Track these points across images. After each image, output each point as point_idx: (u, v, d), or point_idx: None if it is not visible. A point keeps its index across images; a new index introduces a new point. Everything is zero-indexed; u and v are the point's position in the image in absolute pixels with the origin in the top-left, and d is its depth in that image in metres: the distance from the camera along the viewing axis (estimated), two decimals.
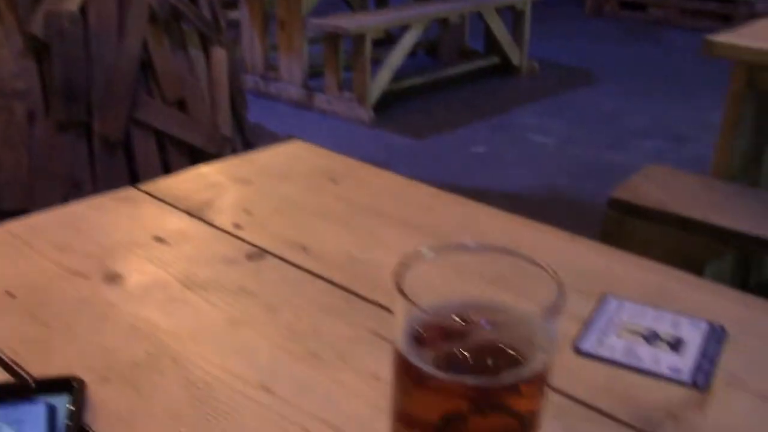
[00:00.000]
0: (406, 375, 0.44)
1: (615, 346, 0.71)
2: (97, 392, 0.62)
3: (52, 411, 0.58)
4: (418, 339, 0.44)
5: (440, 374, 0.42)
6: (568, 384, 0.65)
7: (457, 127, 3.94)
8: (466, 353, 0.43)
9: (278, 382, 0.64)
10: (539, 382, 0.44)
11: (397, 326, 0.44)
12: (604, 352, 0.70)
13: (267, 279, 0.79)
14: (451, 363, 0.43)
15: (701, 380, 0.67)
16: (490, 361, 0.43)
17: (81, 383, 0.61)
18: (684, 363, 0.69)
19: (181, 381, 0.64)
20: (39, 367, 0.64)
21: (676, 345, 0.71)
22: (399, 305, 0.44)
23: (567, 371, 0.67)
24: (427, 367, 0.42)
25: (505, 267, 0.47)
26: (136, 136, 2.44)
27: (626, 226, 1.91)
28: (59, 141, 2.30)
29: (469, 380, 0.42)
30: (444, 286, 0.47)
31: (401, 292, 0.43)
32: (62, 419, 0.57)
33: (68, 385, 0.60)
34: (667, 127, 3.91)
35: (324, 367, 0.66)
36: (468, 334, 0.44)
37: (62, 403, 0.59)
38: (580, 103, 4.34)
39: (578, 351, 0.70)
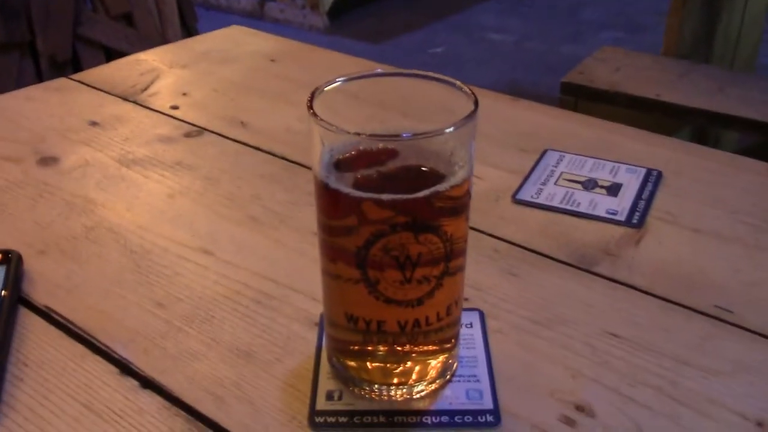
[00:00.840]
0: (326, 202, 0.44)
1: (553, 194, 0.72)
2: (34, 265, 0.62)
3: None
4: (336, 165, 0.44)
5: (357, 193, 0.42)
6: (506, 231, 0.66)
7: (415, 29, 3.88)
8: (384, 174, 0.43)
9: (218, 245, 0.64)
10: (459, 199, 0.44)
11: (315, 154, 0.44)
12: (543, 200, 0.71)
13: (206, 154, 0.78)
14: (369, 184, 0.43)
15: (637, 219, 0.68)
16: (408, 180, 0.44)
17: (17, 255, 0.60)
18: (620, 205, 0.70)
19: (120, 249, 0.64)
20: None
21: (613, 189, 0.72)
22: (315, 131, 0.43)
23: (505, 220, 0.68)
24: (345, 189, 0.42)
25: (420, 89, 0.47)
26: (84, 54, 2.37)
27: (580, 110, 1.91)
28: (4, 63, 2.23)
29: (386, 197, 0.42)
30: (360, 112, 0.47)
31: (315, 115, 0.43)
32: None
33: (4, 258, 0.60)
34: (624, 18, 3.89)
35: (264, 229, 0.67)
36: (386, 157, 0.44)
37: None
38: (537, 0, 4.28)
39: (517, 201, 0.71)
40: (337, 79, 0.46)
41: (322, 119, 0.42)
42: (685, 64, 1.98)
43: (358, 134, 0.42)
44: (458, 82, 0.45)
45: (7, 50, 2.21)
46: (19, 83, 2.22)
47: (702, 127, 2.09)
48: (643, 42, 3.54)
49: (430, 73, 0.46)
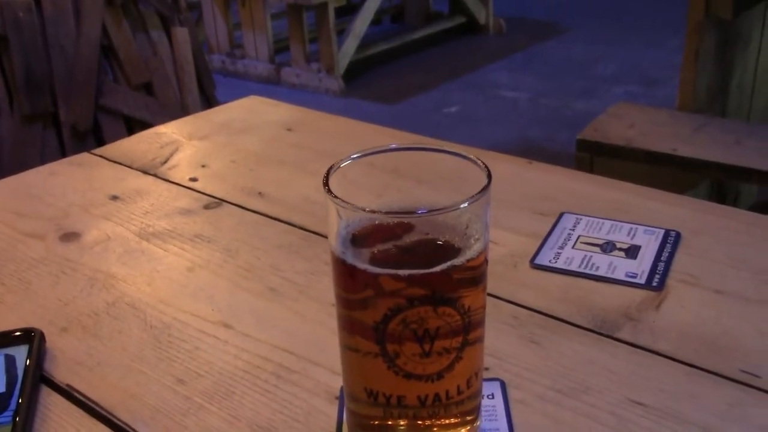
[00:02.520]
0: (343, 277, 0.45)
1: (572, 258, 0.72)
2: (56, 342, 0.62)
3: (10, 361, 0.58)
4: (352, 240, 0.44)
5: (374, 269, 0.42)
6: (525, 297, 0.66)
7: (429, 89, 3.93)
8: (400, 249, 0.44)
9: (238, 318, 0.64)
10: (475, 271, 0.44)
11: (331, 230, 0.45)
12: (561, 265, 0.71)
13: (224, 225, 0.79)
14: (386, 259, 0.43)
15: (657, 281, 0.68)
16: (424, 254, 0.44)
17: (39, 334, 0.61)
18: (640, 267, 0.70)
19: (140, 325, 0.64)
20: None
21: (632, 252, 0.72)
22: (331, 209, 0.44)
23: (524, 286, 0.68)
24: (362, 264, 0.43)
25: (433, 163, 0.47)
26: (105, 123, 2.42)
27: (597, 167, 1.92)
28: (28, 134, 2.28)
29: (403, 272, 0.42)
30: (375, 187, 0.47)
31: (331, 193, 0.43)
32: (21, 368, 0.57)
33: (27, 337, 0.60)
34: (638, 72, 3.92)
35: (283, 300, 0.67)
36: (402, 231, 0.44)
37: (21, 354, 0.59)
38: (550, 56, 4.34)
39: (535, 266, 0.71)
40: (351, 156, 0.47)
41: (338, 197, 0.43)
42: (701, 118, 1.99)
43: (374, 212, 0.42)
44: (472, 156, 0.45)
45: (31, 122, 2.27)
46: (42, 152, 2.27)
47: (720, 181, 2.08)
48: (657, 96, 3.56)
49: (444, 147, 0.47)
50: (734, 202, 2.27)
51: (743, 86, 2.23)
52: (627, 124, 1.97)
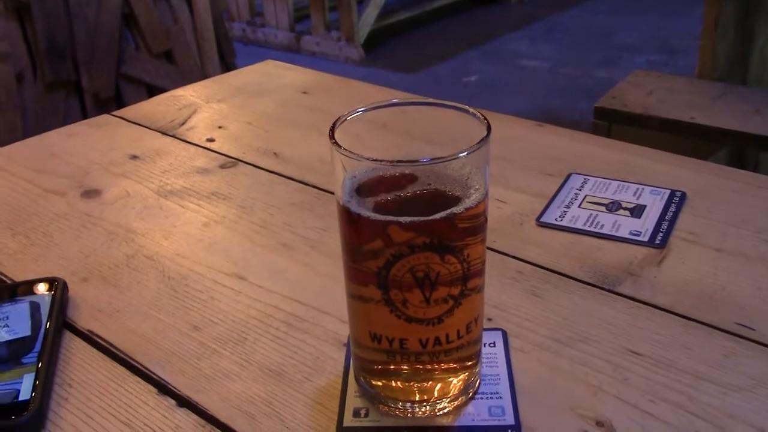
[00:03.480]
0: (348, 225, 0.47)
1: (577, 216, 0.73)
2: (78, 291, 0.65)
3: (35, 307, 0.61)
4: (357, 190, 0.46)
5: (377, 216, 0.44)
6: (530, 253, 0.68)
7: (449, 58, 3.92)
8: (403, 198, 0.46)
9: (252, 271, 0.67)
10: (474, 220, 0.46)
11: (337, 181, 0.47)
12: (566, 223, 0.72)
13: (240, 184, 0.81)
14: (389, 207, 0.45)
15: (660, 239, 0.69)
16: (426, 203, 0.46)
17: (62, 283, 0.64)
18: (644, 226, 0.71)
19: (158, 276, 0.67)
20: (22, 275, 0.67)
21: (637, 211, 0.73)
22: (337, 159, 0.46)
23: (529, 243, 0.70)
24: (366, 213, 0.45)
25: (442, 118, 0.49)
26: (127, 91, 2.45)
27: (614, 134, 1.92)
28: (51, 101, 2.31)
29: (405, 219, 0.44)
30: (379, 140, 0.49)
31: (336, 144, 0.45)
32: (45, 314, 0.60)
33: (50, 285, 0.63)
34: (660, 41, 3.88)
35: (295, 254, 0.69)
36: (406, 182, 0.46)
37: (45, 301, 0.62)
38: (571, 25, 4.30)
39: (541, 224, 0.73)
40: (357, 110, 0.48)
41: (341, 147, 0.45)
42: (720, 87, 1.97)
43: (377, 160, 0.44)
44: (471, 109, 0.47)
45: (54, 89, 2.30)
46: (65, 120, 2.31)
47: (739, 150, 2.07)
48: (678, 65, 3.53)
49: (445, 101, 0.48)
50: (755, 169, 2.26)
51: (765, 55, 2.21)
52: (645, 92, 1.96)
